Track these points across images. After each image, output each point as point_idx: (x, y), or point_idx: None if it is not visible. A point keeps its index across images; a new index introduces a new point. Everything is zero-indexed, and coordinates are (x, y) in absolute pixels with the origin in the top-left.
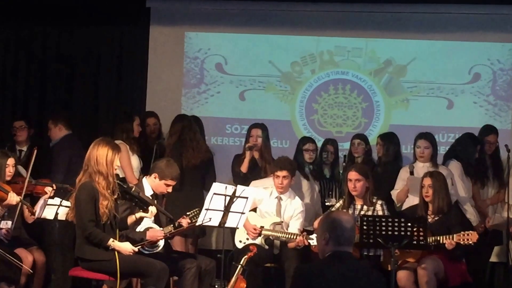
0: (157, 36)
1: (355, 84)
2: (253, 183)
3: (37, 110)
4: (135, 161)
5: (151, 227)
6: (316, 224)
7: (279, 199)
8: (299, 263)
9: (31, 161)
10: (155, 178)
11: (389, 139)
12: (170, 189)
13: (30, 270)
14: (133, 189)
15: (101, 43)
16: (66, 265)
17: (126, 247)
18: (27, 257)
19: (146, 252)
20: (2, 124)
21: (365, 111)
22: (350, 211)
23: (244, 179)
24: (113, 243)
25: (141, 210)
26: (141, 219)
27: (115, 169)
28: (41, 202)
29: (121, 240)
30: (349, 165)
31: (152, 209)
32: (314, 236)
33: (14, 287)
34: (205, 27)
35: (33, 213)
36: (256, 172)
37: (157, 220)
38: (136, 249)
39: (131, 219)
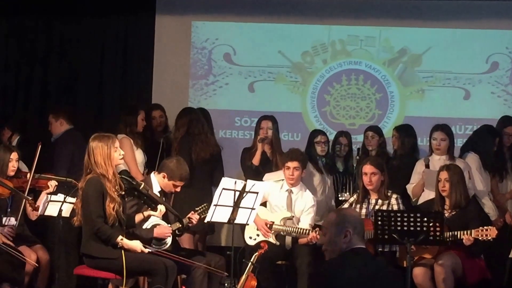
0: (163, 25)
1: (368, 75)
2: (267, 175)
3: (39, 103)
4: (139, 155)
5: (158, 224)
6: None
7: (290, 192)
8: (311, 260)
9: (35, 157)
10: (163, 177)
11: (405, 131)
12: (178, 189)
13: (36, 264)
14: (142, 186)
15: (105, 34)
16: (70, 263)
17: (136, 246)
18: (31, 255)
19: (153, 249)
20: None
21: (379, 102)
22: (364, 206)
23: (256, 172)
24: (122, 241)
25: (149, 208)
26: (148, 217)
27: (121, 158)
28: (43, 198)
29: (128, 238)
30: (362, 158)
31: (161, 208)
32: None
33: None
34: (213, 16)
35: (36, 209)
36: (267, 165)
37: (164, 216)
38: (146, 250)
39: (138, 217)
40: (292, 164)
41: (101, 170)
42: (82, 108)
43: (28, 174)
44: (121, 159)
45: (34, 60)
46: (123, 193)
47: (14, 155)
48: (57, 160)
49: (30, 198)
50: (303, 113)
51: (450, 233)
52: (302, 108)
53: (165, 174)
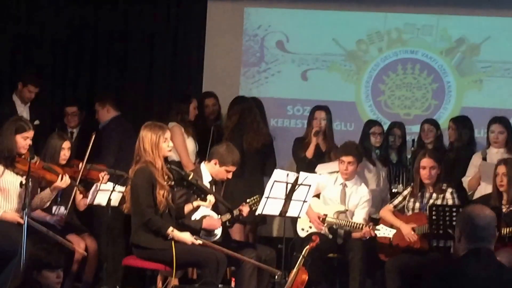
0: (215, 12)
1: (425, 64)
2: (320, 166)
3: (87, 91)
4: (190, 144)
5: (208, 215)
6: (382, 213)
7: (344, 186)
8: (364, 254)
9: (88, 146)
10: (215, 164)
11: (463, 123)
12: (230, 175)
13: (85, 253)
14: (191, 176)
15: (155, 20)
16: (117, 253)
17: (186, 237)
18: (80, 244)
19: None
20: (52, 104)
21: (435, 92)
22: (419, 199)
23: (309, 165)
24: (173, 232)
25: (198, 199)
26: (198, 207)
27: (169, 150)
28: (93, 188)
29: (177, 229)
30: (418, 150)
31: (211, 198)
32: (381, 226)
33: (60, 271)
34: (266, 3)
35: (85, 196)
36: (321, 158)
37: (214, 207)
38: (197, 242)
39: (188, 207)
40: (347, 159)
41: (149, 158)
42: (132, 95)
43: (80, 164)
44: (169, 150)
45: (81, 47)
46: (173, 183)
47: (66, 144)
48: (104, 147)
49: (80, 186)
50: (357, 102)
51: (508, 229)
52: (356, 98)
53: (216, 161)
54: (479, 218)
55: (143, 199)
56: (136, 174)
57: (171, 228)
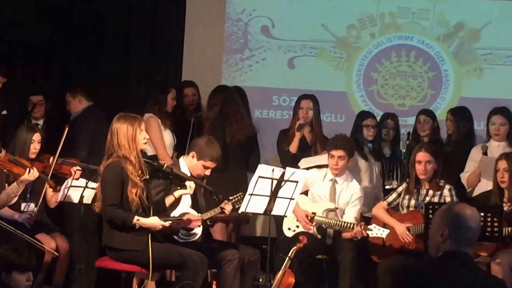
0: None
1: (420, 51)
2: (303, 161)
3: (59, 80)
4: (168, 137)
5: (187, 213)
6: (375, 211)
7: (334, 182)
8: (355, 256)
9: (61, 139)
10: (192, 157)
11: (461, 114)
12: (208, 172)
13: (56, 253)
14: (165, 166)
15: (132, 4)
16: (90, 253)
17: (154, 222)
18: (50, 244)
19: (182, 241)
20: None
21: (432, 81)
22: (415, 196)
23: (293, 160)
24: (139, 221)
25: (178, 188)
26: (180, 198)
27: (144, 143)
28: (64, 184)
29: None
30: (413, 144)
31: (190, 184)
32: (373, 226)
33: (30, 274)
34: None
35: (56, 190)
36: (306, 152)
37: (195, 204)
38: (166, 223)
39: (169, 199)
40: (336, 153)
41: (124, 152)
42: (106, 84)
43: (51, 158)
44: (145, 143)
45: (54, 33)
46: (147, 177)
47: (36, 136)
48: (77, 140)
49: (51, 180)
50: (348, 92)
51: (510, 228)
52: (347, 87)
53: (194, 153)
54: (472, 220)
55: (107, 197)
56: (105, 170)
57: (136, 217)
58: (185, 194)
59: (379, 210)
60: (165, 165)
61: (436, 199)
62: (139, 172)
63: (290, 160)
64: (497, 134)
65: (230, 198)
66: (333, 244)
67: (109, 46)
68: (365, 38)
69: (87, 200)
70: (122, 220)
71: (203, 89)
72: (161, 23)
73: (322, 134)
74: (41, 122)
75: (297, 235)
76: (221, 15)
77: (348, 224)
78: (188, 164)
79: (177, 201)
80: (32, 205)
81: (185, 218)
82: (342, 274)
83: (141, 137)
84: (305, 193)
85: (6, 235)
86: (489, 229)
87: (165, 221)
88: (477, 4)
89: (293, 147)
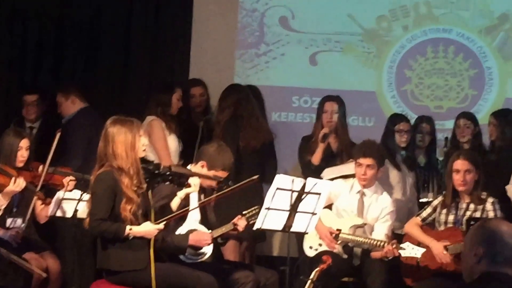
0: None
1: (460, 45)
2: (327, 171)
3: (52, 77)
4: (172, 142)
5: (195, 229)
6: (408, 227)
7: (362, 194)
8: (386, 278)
9: (52, 147)
10: (202, 167)
11: (506, 118)
12: None
13: (45, 274)
14: (161, 167)
15: None
16: (85, 275)
17: (149, 228)
18: (39, 264)
19: (189, 261)
20: (8, 95)
21: (473, 80)
22: (453, 211)
23: (315, 172)
24: (131, 230)
25: (183, 188)
26: (187, 197)
27: (143, 150)
28: (56, 196)
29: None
30: (452, 151)
31: (195, 182)
32: (406, 245)
33: None
34: None
35: (46, 203)
36: (332, 162)
37: (204, 220)
38: (161, 225)
39: (175, 202)
40: (365, 161)
41: (119, 163)
42: (103, 84)
43: (41, 167)
44: (143, 150)
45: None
46: (145, 186)
47: (24, 142)
48: (70, 146)
49: (40, 192)
50: (378, 92)
51: None
52: (376, 87)
53: (204, 163)
54: (509, 236)
55: (96, 210)
56: (95, 181)
57: (128, 227)
58: (190, 192)
59: (413, 226)
60: (162, 167)
61: (477, 214)
62: (136, 183)
63: (312, 172)
64: None
65: (244, 212)
66: (361, 265)
67: (106, 38)
68: (397, 31)
69: (82, 214)
70: (113, 233)
71: (213, 89)
72: (166, 14)
73: (350, 140)
74: (36, 125)
75: (320, 255)
76: (234, 4)
77: (378, 242)
78: None
79: (184, 201)
80: (19, 221)
81: (191, 237)
82: None
83: (140, 144)
84: (329, 207)
85: None
86: None
87: (159, 223)
88: None
89: (316, 158)
